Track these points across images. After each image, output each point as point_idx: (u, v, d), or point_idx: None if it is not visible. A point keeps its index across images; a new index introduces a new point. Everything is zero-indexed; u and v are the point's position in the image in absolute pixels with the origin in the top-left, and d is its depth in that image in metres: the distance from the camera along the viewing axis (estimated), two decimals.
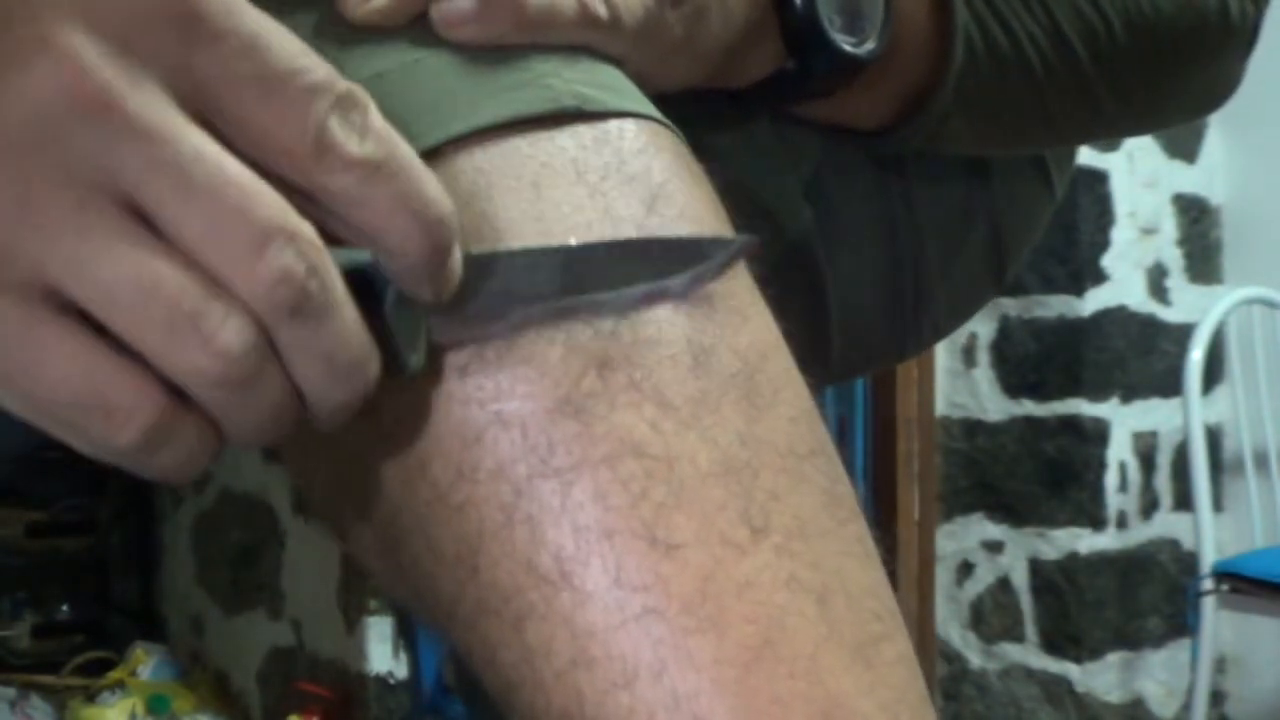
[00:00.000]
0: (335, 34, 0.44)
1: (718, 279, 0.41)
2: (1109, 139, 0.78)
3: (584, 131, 0.43)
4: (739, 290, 0.43)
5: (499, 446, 0.39)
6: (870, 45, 0.58)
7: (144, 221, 0.32)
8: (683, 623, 0.37)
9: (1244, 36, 0.70)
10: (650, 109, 0.45)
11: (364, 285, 0.36)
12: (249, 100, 0.33)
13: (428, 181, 0.35)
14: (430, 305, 0.37)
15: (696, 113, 0.50)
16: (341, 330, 0.34)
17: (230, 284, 0.32)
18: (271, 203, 0.32)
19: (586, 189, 0.42)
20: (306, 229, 0.33)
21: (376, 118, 0.34)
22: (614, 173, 0.42)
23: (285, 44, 0.33)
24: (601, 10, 0.46)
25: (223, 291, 0.32)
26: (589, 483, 0.38)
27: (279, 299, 0.32)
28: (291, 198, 0.34)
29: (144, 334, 0.32)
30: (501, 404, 0.39)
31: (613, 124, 0.43)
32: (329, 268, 0.33)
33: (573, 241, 0.40)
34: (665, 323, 0.40)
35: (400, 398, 0.40)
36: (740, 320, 0.42)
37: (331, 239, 0.35)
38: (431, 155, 0.41)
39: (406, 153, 0.35)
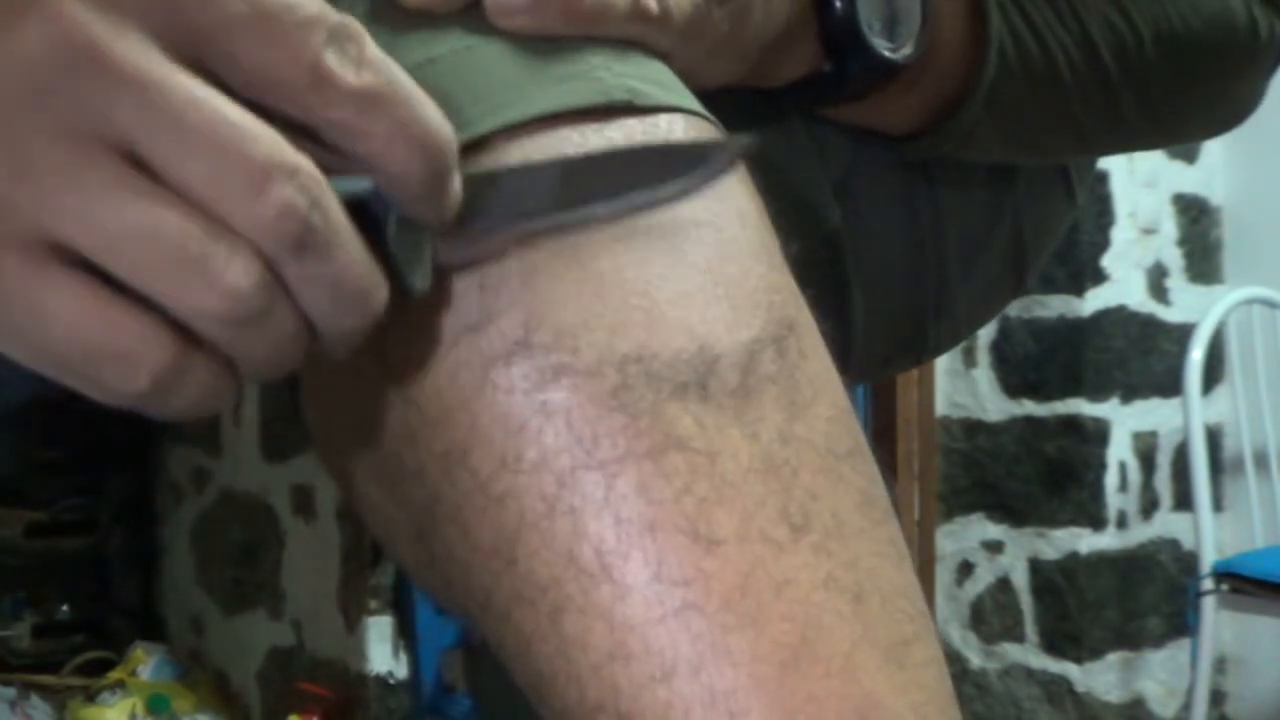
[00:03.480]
0: (389, 19, 0.44)
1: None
2: (1135, 151, 0.78)
3: (633, 125, 0.43)
4: None
5: (543, 437, 0.39)
6: (906, 50, 0.58)
7: (143, 168, 0.32)
8: (722, 619, 0.37)
9: (1271, 54, 0.71)
10: (697, 105, 0.45)
11: (367, 212, 0.36)
12: (242, 40, 0.33)
13: (427, 109, 0.35)
14: (433, 227, 0.38)
15: (736, 109, 0.50)
16: (347, 260, 0.35)
17: (233, 223, 0.33)
18: (269, 140, 0.33)
19: None
20: (306, 163, 0.33)
21: (372, 48, 0.35)
22: None
23: None
24: (652, 5, 0.47)
25: (227, 231, 0.33)
26: (633, 476, 0.38)
27: (283, 234, 0.33)
28: (292, 133, 0.34)
29: (151, 279, 0.33)
30: (546, 394, 0.39)
31: (662, 118, 0.43)
32: (330, 200, 0.34)
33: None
34: None
35: (443, 384, 0.40)
36: None
37: (334, 170, 0.35)
38: (481, 143, 0.41)
39: (405, 82, 0.35)
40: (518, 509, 0.39)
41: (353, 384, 0.43)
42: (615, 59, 0.45)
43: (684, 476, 0.38)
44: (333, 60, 0.34)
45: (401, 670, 2.38)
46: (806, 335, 0.43)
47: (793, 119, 0.63)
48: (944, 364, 2.75)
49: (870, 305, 0.69)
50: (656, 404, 0.39)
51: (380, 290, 0.36)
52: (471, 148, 0.41)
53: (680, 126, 0.44)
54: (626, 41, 0.46)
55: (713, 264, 0.41)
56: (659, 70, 0.46)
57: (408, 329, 0.40)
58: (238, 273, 0.33)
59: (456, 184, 0.37)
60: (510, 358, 0.39)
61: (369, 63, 0.34)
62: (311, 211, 0.33)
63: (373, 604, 2.36)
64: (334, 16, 0.34)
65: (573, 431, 0.39)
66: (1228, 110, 0.74)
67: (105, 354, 0.33)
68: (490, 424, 0.39)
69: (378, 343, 0.41)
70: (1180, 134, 0.77)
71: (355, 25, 0.34)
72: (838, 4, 0.56)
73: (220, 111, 0.32)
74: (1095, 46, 0.64)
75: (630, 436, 0.38)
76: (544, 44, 0.44)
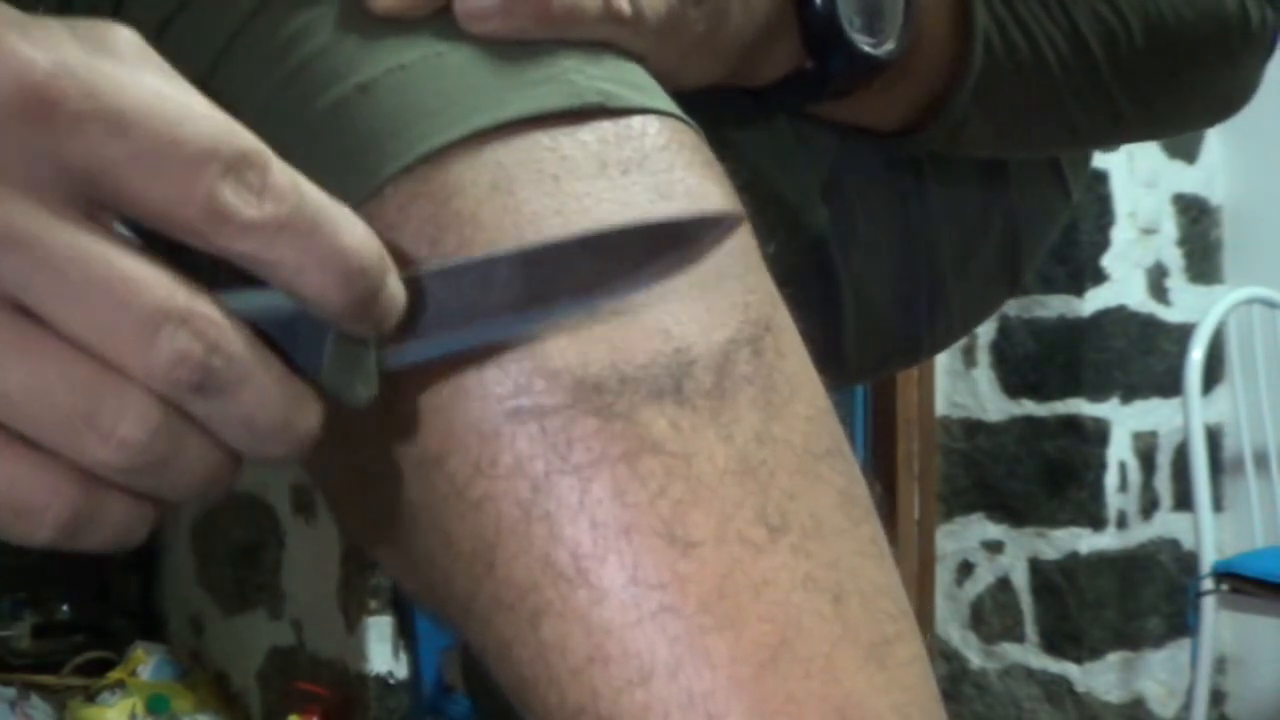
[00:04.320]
0: (357, 26, 0.44)
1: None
2: (1127, 143, 0.78)
3: (607, 127, 0.43)
4: None
5: (517, 442, 0.39)
6: (889, 46, 0.57)
7: (36, 317, 0.32)
8: (699, 621, 0.37)
9: (1263, 43, 0.70)
10: (673, 107, 0.45)
11: (305, 323, 0.35)
12: (132, 179, 0.32)
13: (344, 230, 0.34)
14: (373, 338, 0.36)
15: (717, 109, 0.50)
16: (258, 396, 0.34)
17: (127, 372, 0.32)
18: (157, 287, 0.32)
19: (608, 183, 0.41)
20: (201, 306, 0.32)
21: (278, 173, 0.33)
22: (635, 168, 0.42)
23: (165, 112, 0.32)
24: (625, 6, 0.46)
25: (120, 381, 0.32)
26: (608, 479, 0.38)
27: (179, 380, 0.32)
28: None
29: (44, 435, 0.32)
30: (520, 400, 0.39)
31: (636, 120, 0.43)
32: (232, 339, 0.33)
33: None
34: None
35: (417, 392, 0.40)
36: None
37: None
38: (453, 149, 0.41)
39: (316, 204, 0.34)
40: (494, 514, 0.39)
41: None
42: (588, 61, 0.45)
43: (659, 479, 0.38)
44: (229, 194, 0.32)
45: (401, 670, 2.38)
46: (784, 334, 0.43)
47: (778, 118, 0.63)
48: (944, 364, 2.75)
49: (863, 304, 0.69)
50: (631, 407, 0.39)
51: (307, 417, 0.35)
52: (448, 151, 0.41)
53: (654, 128, 0.43)
54: (600, 44, 0.46)
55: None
56: (633, 72, 0.46)
57: None
58: (131, 424, 0.32)
59: (391, 296, 0.35)
60: (483, 363, 0.39)
61: (272, 190, 0.33)
62: (210, 355, 0.32)
63: (373, 604, 2.36)
64: (233, 145, 0.33)
65: (547, 437, 0.39)
66: (1221, 100, 0.74)
67: (5, 507, 0.33)
68: (465, 430, 0.39)
69: None
70: (1174, 124, 0.77)
71: (259, 150, 0.33)
72: (818, 1, 0.56)
73: (107, 262, 0.32)
74: (1084, 38, 0.63)
75: (605, 440, 0.38)
76: (515, 48, 0.44)
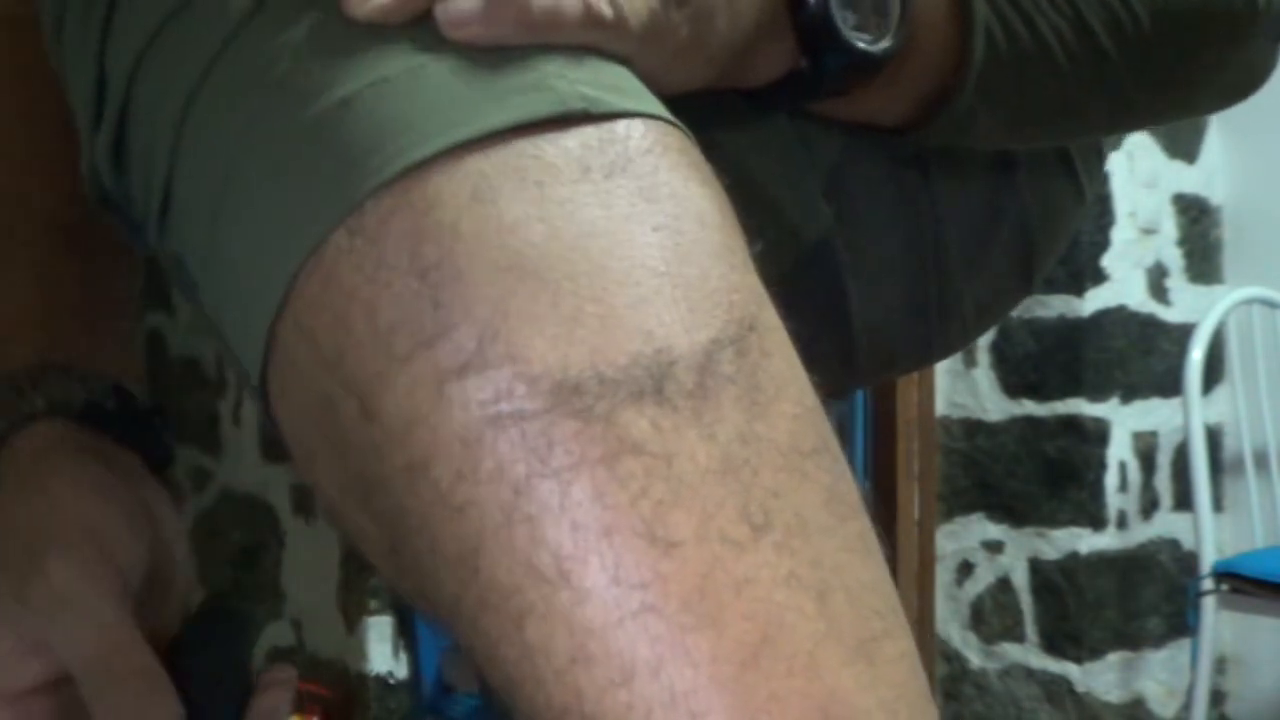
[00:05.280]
0: (338, 38, 0.44)
1: None
2: (1140, 128, 0.78)
3: (590, 132, 0.42)
4: None
5: (498, 448, 0.39)
6: (886, 43, 0.57)
7: None
8: (681, 620, 0.37)
9: (1272, 23, 0.70)
10: (658, 108, 0.45)
11: None
12: None
13: None
14: None
15: (713, 112, 0.50)
16: None
17: None
18: None
19: (592, 187, 0.41)
20: None
21: None
22: (619, 172, 0.42)
23: None
24: (606, 10, 0.46)
25: None
26: (587, 482, 0.38)
27: None
28: None
29: None
30: (500, 405, 0.39)
31: (620, 124, 0.43)
32: None
33: None
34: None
35: (401, 400, 0.40)
36: None
37: None
38: (434, 161, 0.41)
39: None
40: (478, 519, 0.39)
41: (316, 402, 0.43)
42: (570, 66, 0.44)
43: (640, 480, 0.38)
44: None
45: (401, 670, 2.38)
46: (769, 333, 0.43)
47: (777, 117, 0.62)
48: (944, 364, 2.75)
49: (870, 302, 0.69)
50: (611, 409, 0.39)
51: None
52: (429, 164, 0.41)
53: (638, 132, 0.43)
54: (582, 47, 0.46)
55: (671, 266, 0.41)
56: (618, 75, 0.46)
57: (364, 347, 0.40)
58: None
59: None
60: (464, 371, 0.39)
61: None
62: None
63: (373, 604, 2.36)
64: None
65: (527, 441, 0.39)
66: (1233, 82, 0.73)
67: None
68: (448, 437, 0.39)
69: (337, 362, 0.41)
70: (1185, 108, 0.75)
71: None
72: (811, 1, 0.55)
73: None
74: (1089, 26, 0.63)
75: (584, 443, 0.38)
76: (496, 55, 0.43)
